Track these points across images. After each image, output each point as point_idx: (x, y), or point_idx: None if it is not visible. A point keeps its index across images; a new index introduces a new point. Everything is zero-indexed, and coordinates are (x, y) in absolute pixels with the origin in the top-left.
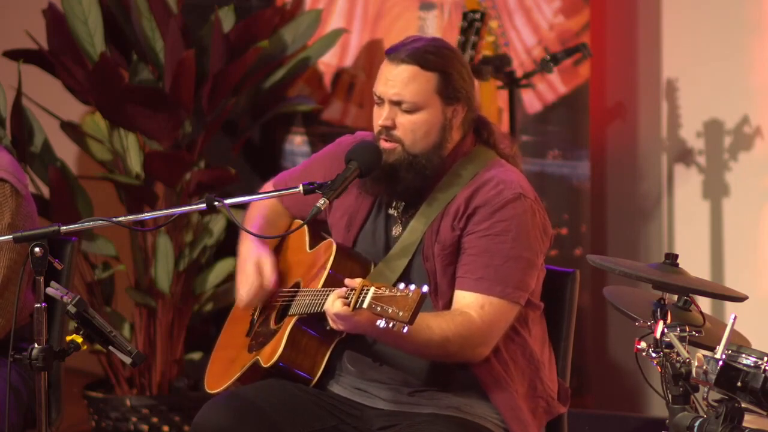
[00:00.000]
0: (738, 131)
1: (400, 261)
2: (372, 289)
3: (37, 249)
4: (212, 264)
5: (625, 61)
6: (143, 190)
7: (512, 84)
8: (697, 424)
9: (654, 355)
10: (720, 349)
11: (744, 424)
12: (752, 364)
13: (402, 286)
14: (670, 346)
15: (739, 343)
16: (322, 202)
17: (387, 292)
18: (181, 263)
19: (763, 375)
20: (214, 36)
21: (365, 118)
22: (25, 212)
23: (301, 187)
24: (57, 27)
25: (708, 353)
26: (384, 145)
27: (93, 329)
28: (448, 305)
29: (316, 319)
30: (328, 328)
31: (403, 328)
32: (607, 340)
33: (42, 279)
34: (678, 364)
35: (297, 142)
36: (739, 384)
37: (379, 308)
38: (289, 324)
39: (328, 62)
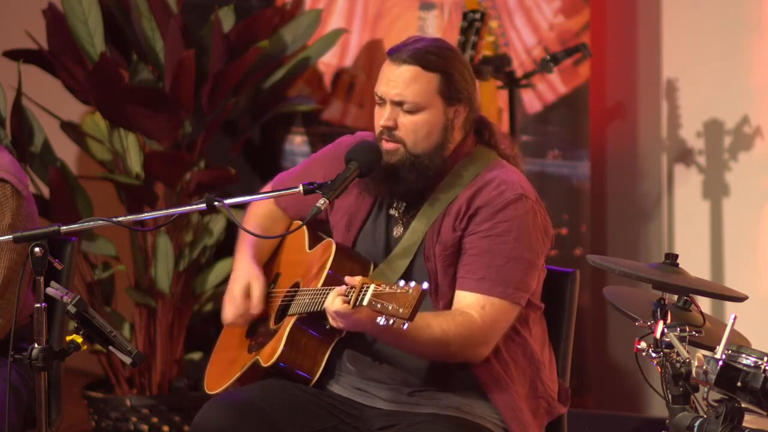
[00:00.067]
0: (738, 131)
1: (402, 261)
2: (372, 287)
3: (37, 249)
4: (212, 264)
5: (625, 61)
6: (143, 190)
7: (512, 84)
8: (697, 424)
9: (654, 355)
10: (720, 349)
11: (744, 424)
12: (752, 364)
13: (402, 283)
14: (670, 346)
15: (739, 343)
16: (322, 202)
17: (387, 289)
18: (181, 263)
19: (763, 375)
20: (214, 36)
21: (365, 118)
22: (25, 213)
23: (301, 187)
24: (57, 27)
25: (708, 353)
26: (386, 146)
27: (93, 329)
28: (448, 305)
29: (316, 318)
30: (328, 327)
31: (403, 324)
32: (607, 340)
33: (42, 279)
34: (678, 364)
35: (297, 142)
36: (739, 384)
37: (379, 305)
38: (289, 324)
39: (328, 62)
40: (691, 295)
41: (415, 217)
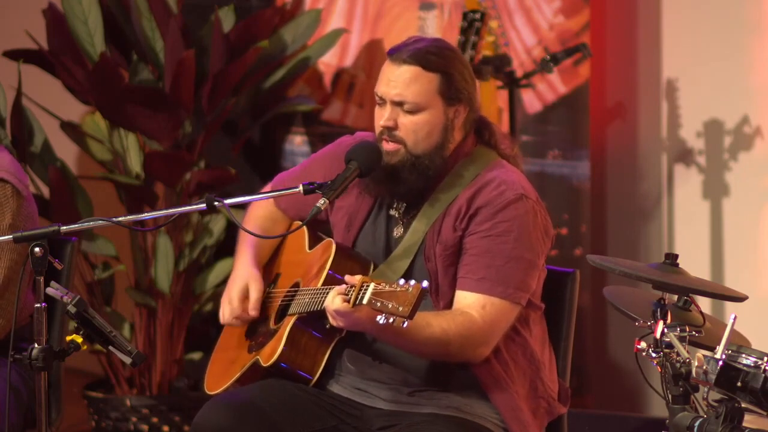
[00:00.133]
0: (738, 131)
1: (402, 262)
2: (372, 285)
3: (37, 249)
4: (212, 264)
5: (625, 61)
6: (143, 190)
7: (512, 84)
8: (697, 424)
9: (654, 355)
10: (720, 349)
11: (744, 424)
12: (752, 364)
13: (402, 281)
14: (670, 346)
15: (739, 343)
16: (322, 202)
17: (387, 288)
18: (181, 263)
19: (763, 375)
20: (214, 36)
21: (365, 118)
22: (26, 213)
23: (301, 187)
24: (57, 27)
25: (708, 353)
26: (386, 146)
27: (93, 329)
28: (449, 305)
29: (316, 318)
30: (328, 326)
31: (403, 323)
32: (607, 340)
33: (42, 279)
34: (678, 364)
35: (297, 142)
36: (739, 384)
37: (379, 304)
38: (289, 323)
39: (328, 62)
40: (691, 295)
41: (415, 217)
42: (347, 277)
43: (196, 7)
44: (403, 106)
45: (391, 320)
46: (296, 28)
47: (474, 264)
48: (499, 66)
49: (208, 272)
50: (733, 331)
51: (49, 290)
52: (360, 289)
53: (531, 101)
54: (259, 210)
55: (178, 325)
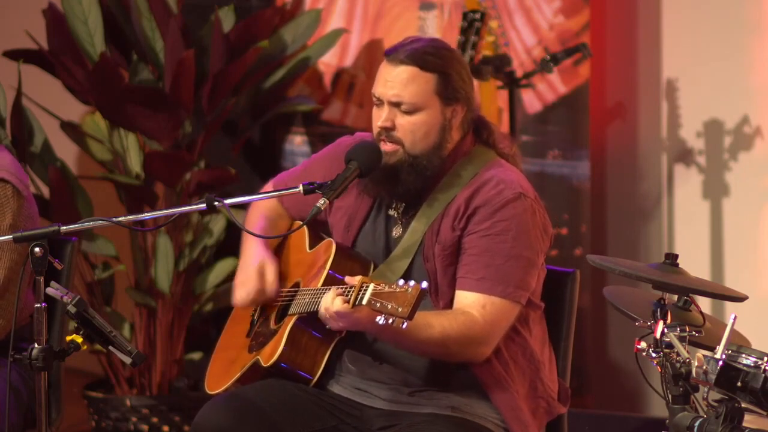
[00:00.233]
0: (738, 131)
1: (402, 262)
2: (371, 286)
3: (37, 249)
4: (212, 264)
5: (625, 61)
6: (143, 190)
7: (512, 84)
8: (697, 424)
9: (654, 355)
10: (720, 349)
11: (744, 424)
12: (752, 364)
13: (401, 282)
14: (670, 346)
15: (739, 343)
16: (322, 202)
17: (386, 289)
18: (181, 263)
19: (763, 375)
20: (214, 36)
21: (365, 118)
22: (26, 213)
23: (301, 187)
24: (57, 27)
25: (708, 353)
26: (384, 147)
27: (93, 329)
28: (448, 305)
29: (316, 318)
30: (328, 327)
31: (403, 323)
32: (607, 340)
33: (42, 279)
34: (678, 364)
35: (297, 142)
36: (739, 384)
37: (378, 304)
38: (289, 323)
39: (328, 62)
40: (691, 295)
41: (414, 217)
42: (347, 278)
43: (196, 7)
44: (400, 106)
45: (390, 321)
46: (296, 28)
47: (473, 263)
48: (499, 66)
49: (208, 272)
50: (733, 331)
51: (49, 290)
52: (359, 290)
53: (531, 101)
54: (265, 203)
55: (178, 325)
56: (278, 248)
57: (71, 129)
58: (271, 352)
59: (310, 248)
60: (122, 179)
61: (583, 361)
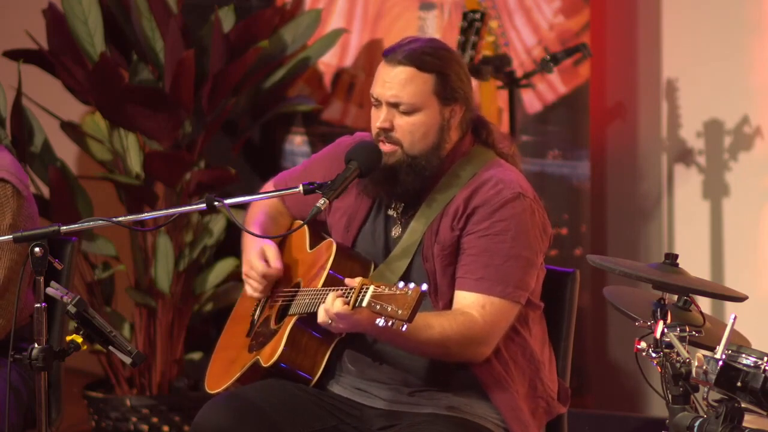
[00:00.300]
0: (738, 131)
1: (401, 262)
2: (371, 288)
3: (37, 249)
4: (212, 264)
5: (625, 61)
6: (143, 190)
7: (512, 84)
8: (697, 424)
9: (654, 355)
10: (720, 349)
11: (744, 424)
12: (752, 364)
13: (401, 284)
14: (670, 346)
15: (739, 343)
16: (322, 202)
17: (386, 291)
18: (181, 263)
19: (763, 375)
20: (214, 36)
21: (365, 118)
22: (26, 213)
23: (301, 187)
24: (57, 27)
25: (708, 353)
26: (383, 147)
27: (93, 329)
28: (448, 305)
29: (316, 318)
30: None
31: (402, 326)
32: (607, 340)
33: (42, 279)
34: (678, 364)
35: (297, 142)
36: (739, 384)
37: (378, 306)
38: (289, 324)
39: (328, 62)
40: (691, 295)
41: (413, 217)
42: (347, 280)
43: (196, 7)
44: (398, 107)
45: (390, 323)
46: (296, 28)
47: (472, 264)
48: (499, 66)
49: (208, 272)
50: (733, 331)
51: (49, 290)
52: (359, 292)
53: (531, 101)
54: (264, 202)
55: (178, 325)
56: (279, 248)
57: (71, 129)
58: (271, 352)
59: (311, 248)
60: (122, 179)
61: (583, 361)
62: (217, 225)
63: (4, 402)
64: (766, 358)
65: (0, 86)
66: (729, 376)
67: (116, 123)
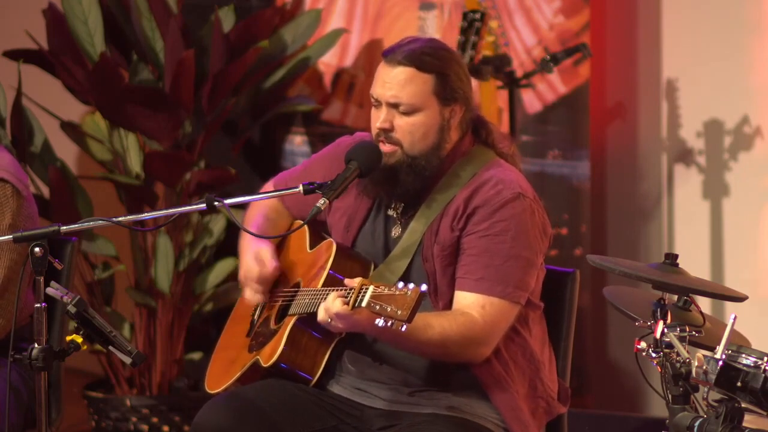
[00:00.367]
0: (738, 131)
1: (401, 262)
2: (371, 288)
3: (37, 249)
4: (212, 264)
5: (625, 61)
6: (143, 190)
7: (512, 84)
8: (697, 424)
9: (654, 355)
10: (720, 349)
11: (744, 424)
12: (752, 364)
13: (401, 284)
14: (670, 346)
15: (739, 343)
16: (322, 202)
17: (386, 291)
18: (181, 263)
19: (763, 375)
20: (214, 36)
21: (365, 118)
22: (26, 213)
23: (301, 187)
24: (57, 27)
25: (708, 353)
26: (383, 148)
27: (93, 329)
28: (448, 306)
29: (316, 318)
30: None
31: (402, 326)
32: (607, 340)
33: (42, 279)
34: (678, 364)
35: (297, 142)
36: (739, 384)
37: (377, 307)
38: (289, 324)
39: (328, 62)
40: (691, 295)
41: (413, 217)
42: (346, 280)
43: (196, 7)
44: (398, 107)
45: (389, 323)
46: (296, 28)
47: (473, 264)
48: (499, 66)
49: (208, 272)
50: (733, 331)
51: (49, 290)
52: (359, 292)
53: (531, 101)
54: (264, 203)
55: (178, 325)
56: (278, 248)
57: (71, 129)
58: (271, 352)
59: (311, 248)
60: (122, 179)
61: (583, 361)
62: (217, 225)
63: (4, 402)
64: (766, 358)
65: (0, 86)
66: (729, 376)
67: (116, 123)
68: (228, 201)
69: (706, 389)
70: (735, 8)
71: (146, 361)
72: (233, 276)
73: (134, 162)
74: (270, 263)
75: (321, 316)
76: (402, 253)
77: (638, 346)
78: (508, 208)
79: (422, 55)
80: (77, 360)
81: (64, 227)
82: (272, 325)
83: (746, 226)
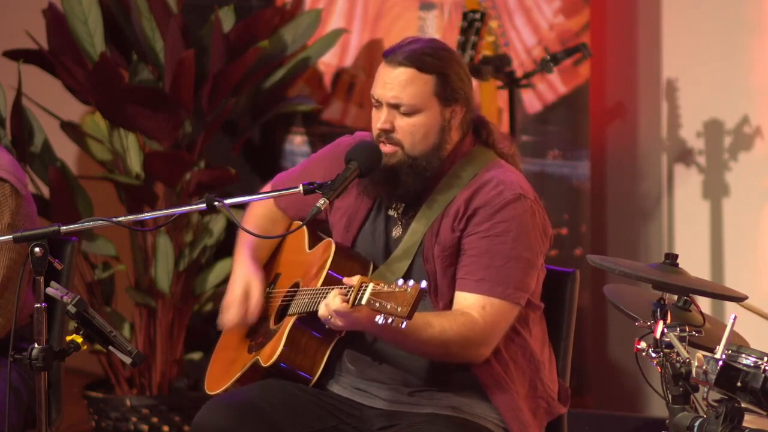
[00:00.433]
0: (738, 131)
1: (402, 263)
2: (370, 286)
3: (37, 249)
4: (212, 264)
5: (625, 61)
6: (143, 190)
7: (512, 84)
8: (697, 424)
9: (654, 355)
10: (720, 349)
11: (744, 424)
12: (752, 364)
13: (401, 281)
14: (670, 346)
15: (739, 343)
16: (322, 202)
17: (385, 288)
18: (181, 263)
19: (763, 375)
20: (214, 36)
21: (365, 118)
22: (25, 212)
23: (301, 187)
24: (57, 27)
25: (708, 353)
26: (384, 148)
27: (93, 329)
28: (448, 306)
29: (316, 318)
30: (327, 326)
31: (402, 323)
32: (607, 340)
33: (42, 279)
34: (678, 364)
35: (297, 142)
36: (739, 384)
37: (377, 304)
38: (289, 324)
39: (328, 62)
40: (691, 295)
41: (414, 218)
42: (346, 279)
43: (196, 7)
44: (399, 108)
45: (390, 320)
46: (296, 28)
47: (473, 265)
48: (499, 66)
49: (208, 272)
50: (732, 331)
51: (49, 290)
52: (359, 290)
53: (531, 101)
54: (259, 209)
55: (178, 325)
56: (277, 248)
57: (71, 129)
58: (271, 353)
59: (310, 248)
60: (122, 179)
61: (583, 361)
62: (217, 225)
63: (4, 402)
64: (766, 358)
65: (0, 86)
66: (729, 376)
67: (116, 123)
68: (228, 201)
69: (706, 389)
70: (735, 8)
71: (146, 361)
72: None
73: (134, 162)
74: (253, 311)
75: (322, 311)
76: (403, 254)
77: (638, 346)
78: (509, 209)
79: (423, 56)
80: (77, 360)
81: (64, 227)
82: (272, 325)
83: (746, 226)
